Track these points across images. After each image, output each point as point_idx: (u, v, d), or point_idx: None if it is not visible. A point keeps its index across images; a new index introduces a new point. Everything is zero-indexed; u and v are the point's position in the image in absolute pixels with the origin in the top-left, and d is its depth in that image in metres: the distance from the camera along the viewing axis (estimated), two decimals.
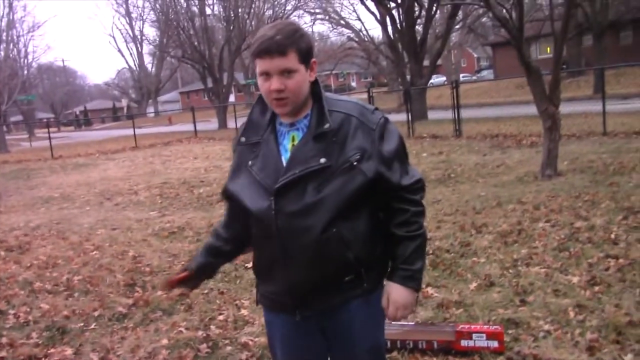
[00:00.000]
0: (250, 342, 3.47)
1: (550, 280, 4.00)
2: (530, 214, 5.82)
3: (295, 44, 1.65)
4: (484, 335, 3.06)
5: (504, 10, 8.67)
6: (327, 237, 1.66)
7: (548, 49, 31.03)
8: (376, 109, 1.78)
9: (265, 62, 1.65)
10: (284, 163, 1.70)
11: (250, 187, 1.74)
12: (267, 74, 1.67)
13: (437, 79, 38.56)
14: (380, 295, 1.80)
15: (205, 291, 4.47)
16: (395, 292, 1.75)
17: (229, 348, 3.45)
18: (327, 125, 1.68)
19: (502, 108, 19.63)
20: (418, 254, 1.76)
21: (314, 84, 1.75)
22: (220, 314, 3.98)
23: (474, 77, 45.78)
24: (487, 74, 44.26)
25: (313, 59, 1.72)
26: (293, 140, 1.73)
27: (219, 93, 31.98)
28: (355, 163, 1.66)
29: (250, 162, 1.76)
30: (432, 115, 20.68)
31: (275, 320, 1.87)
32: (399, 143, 1.76)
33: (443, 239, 5.28)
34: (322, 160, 1.66)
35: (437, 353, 3.12)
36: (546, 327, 3.28)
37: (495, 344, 3.04)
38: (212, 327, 3.77)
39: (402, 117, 16.67)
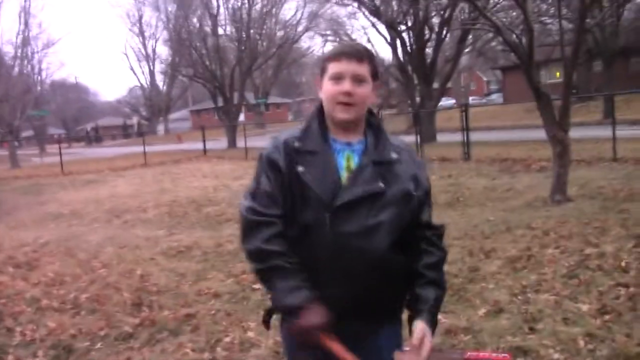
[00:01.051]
0: None
1: (560, 308, 3.96)
2: (539, 239, 5.78)
3: (370, 57, 1.76)
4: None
5: (514, 35, 8.72)
6: (384, 260, 1.70)
7: (558, 73, 31.08)
8: None
9: (341, 64, 1.72)
10: (343, 180, 1.71)
11: (302, 195, 1.70)
12: (339, 78, 1.72)
13: (446, 102, 38.64)
14: (400, 329, 1.84)
15: (212, 312, 4.46)
16: (428, 334, 1.74)
17: None
18: (393, 155, 1.75)
19: (511, 132, 19.65)
20: (440, 303, 1.81)
21: (370, 113, 1.82)
22: (227, 336, 3.97)
23: (484, 101, 45.86)
24: (497, 97, 44.33)
25: (377, 82, 1.80)
26: (348, 160, 1.75)
27: (229, 112, 32.21)
28: (414, 192, 1.75)
29: (301, 169, 1.70)
30: (441, 137, 20.69)
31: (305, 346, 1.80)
32: (429, 185, 1.84)
33: (451, 263, 5.24)
34: (381, 184, 1.70)
35: None
36: (556, 356, 3.25)
37: None
38: (219, 348, 3.75)
39: (411, 139, 16.70)
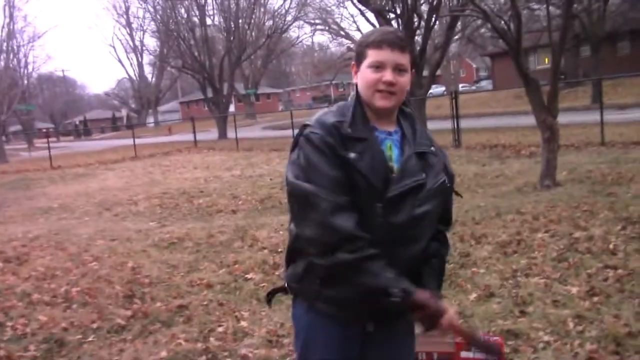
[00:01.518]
0: (250, 354, 3.46)
1: (550, 291, 4.00)
2: (529, 224, 5.82)
3: (411, 47, 1.76)
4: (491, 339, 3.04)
5: (502, 22, 8.72)
6: (424, 250, 1.75)
7: (546, 59, 31.13)
8: None
9: (384, 53, 1.68)
10: (393, 171, 1.69)
11: (356, 182, 1.63)
12: (380, 66, 1.68)
13: (436, 89, 38.67)
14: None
15: (205, 302, 4.46)
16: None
17: None
18: (433, 149, 1.76)
19: (500, 118, 19.72)
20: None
21: (403, 102, 1.79)
22: (220, 326, 3.97)
23: (473, 88, 45.97)
24: (486, 84, 44.43)
25: (413, 70, 1.78)
26: (390, 150, 1.72)
27: (219, 103, 32.06)
28: (449, 185, 1.77)
29: (353, 155, 1.63)
30: (431, 125, 20.59)
31: (331, 331, 1.74)
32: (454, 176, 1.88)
33: None
34: (424, 175, 1.70)
35: None
36: (546, 338, 3.28)
37: (500, 347, 3.02)
38: (212, 339, 3.76)
39: None
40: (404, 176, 1.67)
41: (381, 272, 1.61)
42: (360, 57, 1.72)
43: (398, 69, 1.69)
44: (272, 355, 3.44)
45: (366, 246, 1.60)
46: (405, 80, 1.71)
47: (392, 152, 1.71)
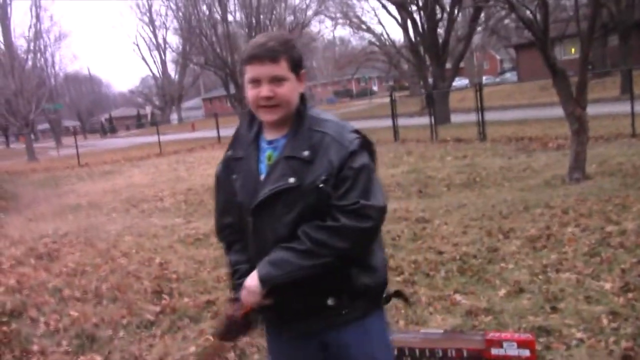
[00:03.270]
0: None
1: (582, 287, 3.91)
2: (558, 218, 5.71)
3: (287, 52, 1.65)
4: (515, 343, 3.00)
5: (528, 12, 8.55)
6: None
7: (573, 49, 30.57)
8: (356, 131, 1.72)
9: (255, 68, 1.65)
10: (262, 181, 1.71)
11: (235, 202, 1.77)
12: (256, 81, 1.66)
13: (459, 82, 38.25)
14: (380, 322, 1.82)
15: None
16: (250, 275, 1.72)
17: (256, 357, 3.45)
18: (305, 153, 1.63)
19: (526, 110, 19.41)
20: (287, 259, 1.64)
21: (301, 101, 1.72)
22: None
23: (497, 80, 45.32)
24: (511, 76, 43.76)
25: (303, 70, 1.71)
26: (269, 159, 1.71)
27: (241, 99, 32.15)
28: (321, 185, 1.62)
29: (234, 176, 1.77)
30: (455, 118, 20.51)
31: (274, 339, 1.93)
32: (364, 165, 1.66)
33: (470, 244, 5.21)
34: (291, 180, 1.63)
35: None
36: (579, 335, 3.21)
37: (527, 352, 2.98)
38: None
39: (425, 120, 16.56)
40: (265, 185, 1.67)
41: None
42: (242, 74, 1.72)
43: (275, 81, 1.64)
44: None
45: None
46: (286, 89, 1.65)
47: (273, 160, 1.70)
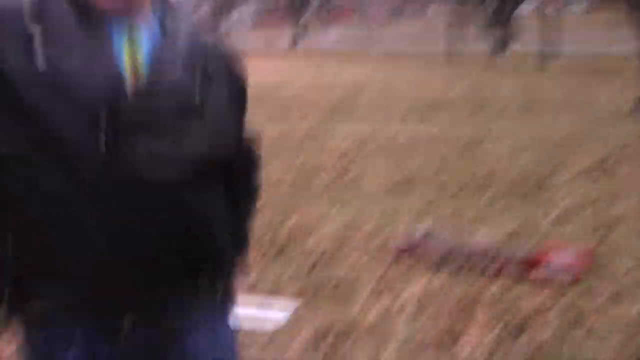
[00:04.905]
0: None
1: (635, 220, 3.76)
2: (618, 150, 5.48)
3: None
4: (566, 259, 2.95)
5: None
6: (176, 212, 0.95)
7: None
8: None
9: None
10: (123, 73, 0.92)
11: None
12: None
13: (526, 5, 36.08)
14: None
15: (277, 197, 4.48)
16: None
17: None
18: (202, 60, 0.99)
19: (592, 43, 18.41)
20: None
21: None
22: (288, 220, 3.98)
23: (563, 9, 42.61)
24: (577, 7, 41.05)
25: None
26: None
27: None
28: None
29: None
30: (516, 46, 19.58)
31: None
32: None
33: (520, 169, 5.07)
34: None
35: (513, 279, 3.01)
36: (629, 264, 3.12)
37: (575, 269, 2.93)
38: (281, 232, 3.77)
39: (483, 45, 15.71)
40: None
41: None
42: None
43: None
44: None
45: None
46: None
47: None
